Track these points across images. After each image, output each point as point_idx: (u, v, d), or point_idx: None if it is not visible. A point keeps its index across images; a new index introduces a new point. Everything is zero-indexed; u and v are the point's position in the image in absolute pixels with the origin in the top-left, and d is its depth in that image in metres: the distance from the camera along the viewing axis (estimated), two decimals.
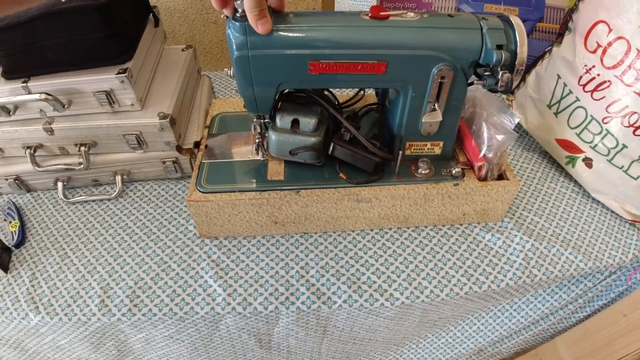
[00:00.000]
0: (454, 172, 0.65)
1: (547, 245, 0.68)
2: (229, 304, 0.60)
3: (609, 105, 0.67)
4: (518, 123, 0.83)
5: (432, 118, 0.60)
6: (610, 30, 0.66)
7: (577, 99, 0.71)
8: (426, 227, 0.69)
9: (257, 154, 0.67)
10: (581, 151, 0.73)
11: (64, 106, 0.64)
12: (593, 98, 0.69)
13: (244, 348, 0.68)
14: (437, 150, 0.67)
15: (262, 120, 0.64)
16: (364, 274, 0.63)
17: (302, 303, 0.60)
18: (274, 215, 0.64)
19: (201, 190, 0.62)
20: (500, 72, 0.56)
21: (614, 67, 0.66)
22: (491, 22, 0.57)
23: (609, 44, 0.66)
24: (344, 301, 0.61)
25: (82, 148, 0.67)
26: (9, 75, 0.63)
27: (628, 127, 0.66)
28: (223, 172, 0.65)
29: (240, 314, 0.60)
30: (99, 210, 0.70)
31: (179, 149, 0.69)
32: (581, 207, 0.74)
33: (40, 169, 0.67)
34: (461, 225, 0.70)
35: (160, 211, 0.70)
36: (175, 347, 0.66)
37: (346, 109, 0.74)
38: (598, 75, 0.68)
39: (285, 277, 0.63)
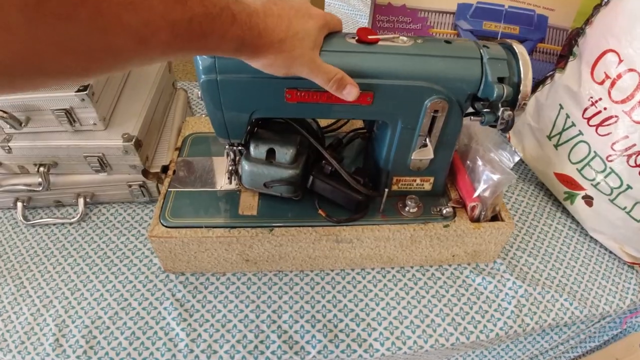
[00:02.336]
0: (444, 211, 0.57)
1: (542, 291, 0.60)
2: (192, 351, 0.52)
3: (614, 143, 0.59)
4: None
5: (422, 155, 0.52)
6: (621, 60, 0.58)
7: (580, 133, 0.63)
8: (412, 267, 0.61)
9: (230, 183, 0.58)
10: (582, 188, 0.65)
11: (21, 124, 0.55)
12: (598, 133, 0.61)
13: None
14: (427, 187, 0.58)
15: (235, 148, 0.55)
16: (341, 320, 0.56)
17: (272, 353, 0.53)
18: (245, 253, 0.56)
19: (165, 224, 0.54)
20: (501, 109, 0.48)
21: (623, 101, 0.58)
22: (493, 50, 0.49)
23: (619, 76, 0.58)
24: (319, 352, 0.53)
25: (42, 169, 0.59)
26: None
27: (634, 167, 0.58)
28: (191, 203, 0.57)
29: None
30: (59, 235, 0.62)
31: (145, 173, 0.61)
32: (578, 247, 0.66)
33: None
34: (450, 266, 0.62)
35: (124, 239, 0.62)
36: None
37: (331, 133, 0.66)
38: (605, 109, 0.60)
39: (256, 322, 0.55)
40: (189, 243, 0.54)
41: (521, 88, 0.48)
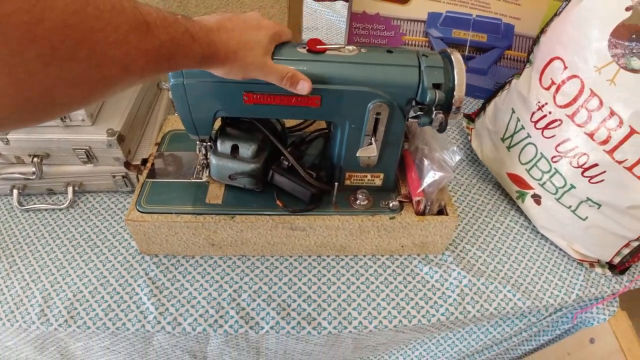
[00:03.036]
0: (391, 204, 0.62)
1: (485, 281, 0.65)
2: (159, 322, 0.59)
3: (558, 145, 0.64)
4: (474, 153, 0.81)
5: (367, 153, 0.58)
6: (566, 67, 0.62)
7: (529, 135, 0.68)
8: (365, 256, 0.67)
9: (201, 176, 0.65)
10: (530, 187, 0.70)
11: None
12: (544, 136, 0.66)
13: None
14: (378, 182, 0.64)
15: (205, 144, 0.62)
16: (295, 300, 0.62)
17: (230, 327, 0.59)
18: (211, 237, 0.63)
19: (140, 210, 0.61)
20: (434, 112, 0.53)
21: (566, 105, 0.62)
22: (431, 59, 0.54)
23: (563, 82, 0.62)
24: (271, 327, 0.59)
25: (35, 159, 0.66)
26: None
27: (577, 167, 0.62)
28: (164, 192, 0.64)
29: (170, 333, 0.59)
30: (50, 220, 0.70)
31: (126, 165, 0.68)
32: (528, 243, 0.71)
33: None
34: (400, 256, 0.68)
35: (107, 224, 0.69)
36: (114, 357, 0.66)
37: (297, 132, 0.72)
38: (550, 113, 0.64)
39: (217, 300, 0.61)
40: (160, 227, 0.61)
41: (455, 93, 0.54)
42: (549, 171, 0.66)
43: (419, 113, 0.55)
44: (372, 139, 0.58)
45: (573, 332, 0.75)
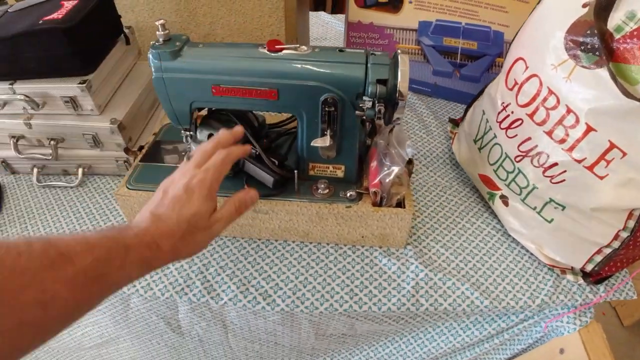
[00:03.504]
0: (348, 194, 0.66)
1: (443, 277, 0.67)
2: (134, 285, 0.67)
3: (520, 144, 0.64)
4: (455, 159, 0.83)
5: (320, 143, 0.62)
6: (527, 67, 0.63)
7: (495, 136, 0.69)
8: (328, 244, 0.71)
9: (184, 160, 0.73)
10: (498, 188, 0.71)
11: (38, 106, 0.75)
12: (507, 135, 0.67)
13: (157, 329, 0.74)
14: (340, 174, 0.69)
15: (187, 133, 0.70)
16: (255, 278, 0.67)
17: (194, 295, 0.65)
18: None
19: (129, 187, 0.70)
20: (377, 105, 0.58)
21: (526, 105, 0.63)
22: (379, 58, 0.59)
23: (524, 81, 0.63)
24: (230, 299, 0.65)
25: (52, 142, 0.78)
26: (1, 78, 0.75)
27: (538, 167, 0.62)
28: (152, 174, 0.72)
29: (142, 296, 0.67)
30: (61, 196, 0.81)
31: (126, 150, 0.78)
32: (497, 245, 0.72)
33: (21, 156, 0.79)
34: (363, 247, 0.71)
35: (107, 202, 0.79)
36: (101, 317, 0.74)
37: (277, 129, 0.78)
38: (512, 112, 0.66)
39: (187, 271, 0.68)
40: (143, 202, 0.69)
41: (398, 88, 0.58)
42: (513, 171, 0.67)
43: (365, 106, 0.59)
44: (328, 131, 0.63)
45: (545, 342, 0.73)
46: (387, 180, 0.63)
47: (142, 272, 0.42)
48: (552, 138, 0.60)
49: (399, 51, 0.59)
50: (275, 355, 0.80)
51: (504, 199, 0.70)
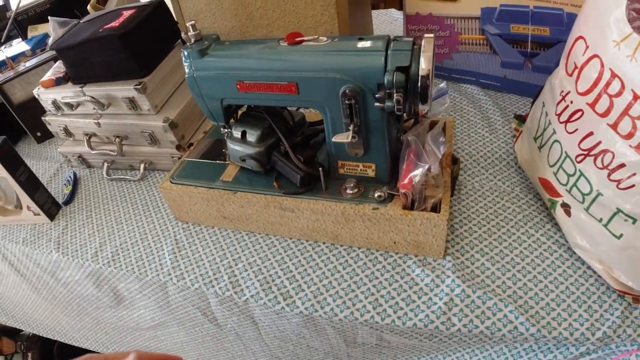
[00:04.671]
0: (377, 195, 0.60)
1: (482, 295, 0.57)
2: (169, 274, 0.69)
3: (581, 140, 0.52)
4: (515, 158, 0.71)
5: (341, 139, 0.57)
6: (587, 47, 0.51)
7: (554, 132, 0.57)
8: (359, 248, 0.65)
9: (226, 158, 0.73)
10: (559, 195, 0.58)
11: (104, 106, 0.82)
12: (567, 131, 0.55)
13: (196, 318, 0.75)
14: (371, 173, 0.62)
15: (225, 130, 0.70)
16: (279, 277, 0.64)
17: (220, 288, 0.65)
18: (220, 210, 0.70)
19: (172, 181, 0.72)
20: (395, 95, 0.51)
21: (586, 92, 0.51)
22: (400, 44, 0.52)
23: (584, 64, 0.51)
24: (252, 296, 0.63)
25: (117, 139, 0.84)
26: (74, 81, 0.83)
27: (602, 168, 0.50)
28: (195, 169, 0.73)
29: (175, 284, 0.68)
30: (125, 189, 0.87)
31: (177, 147, 0.81)
32: (557, 263, 0.59)
33: (93, 152, 0.86)
34: (396, 254, 0.64)
35: (161, 196, 0.83)
36: (148, 302, 0.78)
37: (318, 126, 0.74)
38: (571, 102, 0.54)
39: (218, 265, 0.68)
40: (182, 195, 0.71)
41: (419, 76, 0.50)
42: (574, 174, 0.54)
43: (385, 97, 0.53)
44: (351, 126, 0.57)
45: None
46: (417, 180, 0.56)
47: None
48: (617, 132, 0.48)
49: (425, 35, 0.52)
50: (311, 358, 0.76)
51: (566, 208, 0.58)
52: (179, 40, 0.87)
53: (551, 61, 0.76)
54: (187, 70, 0.63)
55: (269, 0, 0.87)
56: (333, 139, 0.58)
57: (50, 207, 0.83)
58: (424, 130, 0.60)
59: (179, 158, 0.83)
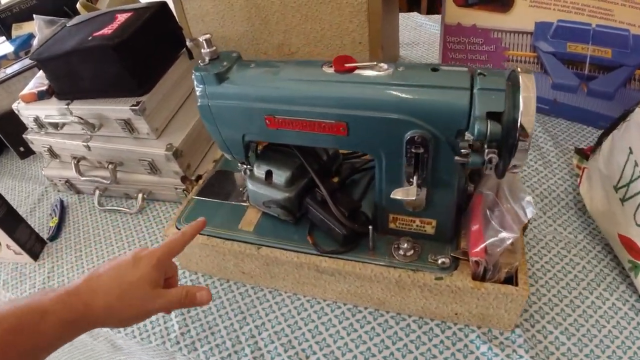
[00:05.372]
0: (440, 261, 0.48)
1: None
2: (178, 342, 0.55)
3: None
4: (583, 202, 0.60)
5: (403, 195, 0.45)
6: None
7: None
8: (410, 316, 0.54)
9: (244, 199, 0.60)
10: None
11: (94, 128, 0.66)
12: None
13: None
14: (429, 230, 0.50)
15: (244, 167, 0.57)
16: (315, 353, 0.52)
17: None
18: (239, 265, 0.57)
19: (178, 227, 0.58)
20: (486, 151, 0.38)
21: None
22: (489, 80, 0.40)
23: None
24: None
25: (110, 166, 0.69)
26: (59, 96, 0.68)
27: None
28: (206, 212, 0.60)
29: (185, 356, 0.55)
30: (119, 222, 0.72)
31: (183, 179, 0.66)
32: (635, 334, 0.49)
33: (82, 178, 0.71)
34: (455, 325, 0.52)
35: (163, 235, 0.68)
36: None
37: (354, 159, 0.62)
38: None
39: (237, 332, 0.55)
40: (192, 247, 0.57)
41: (519, 126, 0.38)
42: None
43: (471, 150, 0.40)
44: (413, 178, 0.45)
45: None
46: (497, 250, 0.44)
47: (65, 334, 0.39)
48: None
49: (519, 69, 0.40)
50: None
51: None
52: (184, 49, 0.71)
53: (611, 86, 0.66)
54: (199, 98, 0.49)
55: (288, 3, 0.72)
56: (392, 195, 0.45)
57: (34, 245, 0.68)
58: (498, 183, 0.48)
59: (184, 190, 0.69)
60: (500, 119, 0.39)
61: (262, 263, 0.54)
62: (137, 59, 0.62)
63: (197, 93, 0.49)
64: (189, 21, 0.78)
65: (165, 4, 0.66)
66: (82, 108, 0.65)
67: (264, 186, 0.54)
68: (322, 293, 0.56)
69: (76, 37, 0.62)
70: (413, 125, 0.41)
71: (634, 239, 0.49)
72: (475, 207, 0.51)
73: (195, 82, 0.49)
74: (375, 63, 0.43)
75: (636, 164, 0.48)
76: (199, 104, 0.50)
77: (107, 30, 0.60)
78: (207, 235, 0.56)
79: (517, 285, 0.46)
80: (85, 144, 0.68)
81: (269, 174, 0.54)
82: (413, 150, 0.43)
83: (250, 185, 0.56)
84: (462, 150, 0.40)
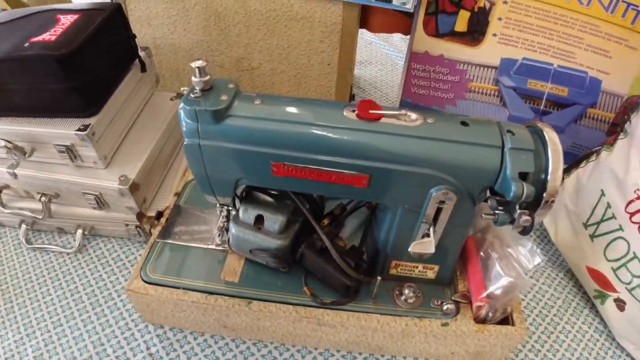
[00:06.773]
0: (445, 307, 0.46)
1: None
2: None
3: None
4: (546, 231, 0.63)
5: (422, 248, 0.42)
6: None
7: (620, 228, 0.50)
8: (404, 358, 0.51)
9: (220, 243, 0.51)
10: (615, 290, 0.52)
11: (25, 154, 0.52)
12: None
13: None
14: (431, 275, 0.48)
15: (225, 207, 0.48)
16: None
17: None
18: (222, 320, 0.49)
19: (144, 279, 0.48)
20: (519, 211, 0.37)
21: None
22: (518, 138, 0.38)
23: None
24: None
25: (43, 198, 0.55)
26: None
27: None
28: (175, 259, 0.50)
29: None
30: (55, 264, 0.58)
31: (139, 216, 0.55)
32: (602, 354, 0.53)
33: (5, 211, 0.55)
34: None
35: (114, 279, 0.57)
36: None
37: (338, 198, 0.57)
38: None
39: None
40: (165, 302, 0.48)
41: (548, 185, 0.37)
42: None
43: (499, 208, 0.38)
44: (431, 229, 0.42)
45: None
46: (505, 299, 0.43)
47: None
48: None
49: (539, 124, 0.38)
50: None
51: (620, 303, 0.52)
52: (136, 60, 0.58)
53: (562, 121, 0.69)
54: (187, 136, 0.40)
55: (253, 15, 0.64)
56: (411, 249, 0.42)
57: None
58: (486, 223, 0.47)
59: (137, 227, 0.57)
60: (527, 177, 0.37)
61: (252, 318, 0.47)
62: (86, 74, 0.49)
63: (184, 129, 0.40)
64: (132, 24, 0.65)
65: (120, 7, 0.53)
66: (10, 128, 0.50)
67: (253, 232, 0.47)
68: (315, 343, 0.51)
69: (7, 41, 0.47)
70: (442, 180, 0.38)
71: (604, 272, 0.52)
72: (471, 249, 0.50)
73: (182, 117, 0.39)
74: (403, 112, 0.38)
75: (609, 206, 0.51)
76: (185, 142, 0.40)
77: (48, 36, 0.46)
78: (184, 288, 0.47)
79: (513, 324, 0.46)
80: (11, 170, 0.53)
81: (259, 218, 0.47)
82: (437, 205, 0.39)
83: (234, 230, 0.48)
84: (498, 210, 0.38)
